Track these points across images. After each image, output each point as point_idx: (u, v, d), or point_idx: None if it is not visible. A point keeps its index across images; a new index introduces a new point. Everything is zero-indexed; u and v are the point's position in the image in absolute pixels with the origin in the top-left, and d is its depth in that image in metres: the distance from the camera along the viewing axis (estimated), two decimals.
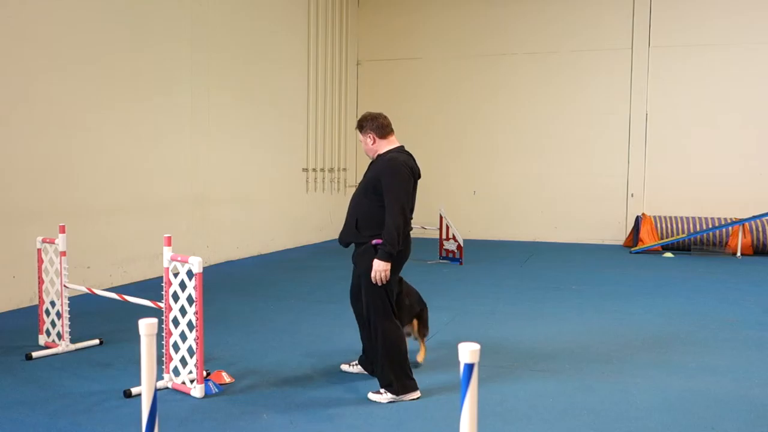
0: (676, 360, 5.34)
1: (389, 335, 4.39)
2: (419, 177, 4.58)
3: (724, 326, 6.51)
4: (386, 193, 4.31)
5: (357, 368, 4.94)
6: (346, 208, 4.71)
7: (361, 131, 4.62)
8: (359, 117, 4.70)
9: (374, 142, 4.55)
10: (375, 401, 4.34)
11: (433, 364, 5.11)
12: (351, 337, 5.70)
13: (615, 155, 13.78)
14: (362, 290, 4.47)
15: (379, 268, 4.27)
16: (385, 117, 4.61)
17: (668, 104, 13.44)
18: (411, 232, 4.56)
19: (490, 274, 9.61)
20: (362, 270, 4.42)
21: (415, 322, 5.03)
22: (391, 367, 4.36)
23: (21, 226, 7.08)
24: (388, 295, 4.42)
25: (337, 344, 5.69)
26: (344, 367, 5.00)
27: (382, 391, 4.38)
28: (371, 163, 4.61)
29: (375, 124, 4.54)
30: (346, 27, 14.55)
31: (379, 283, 4.33)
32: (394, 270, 4.45)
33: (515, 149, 14.40)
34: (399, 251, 4.38)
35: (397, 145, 4.57)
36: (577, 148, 14.00)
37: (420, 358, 5.06)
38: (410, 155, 4.56)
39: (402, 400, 4.35)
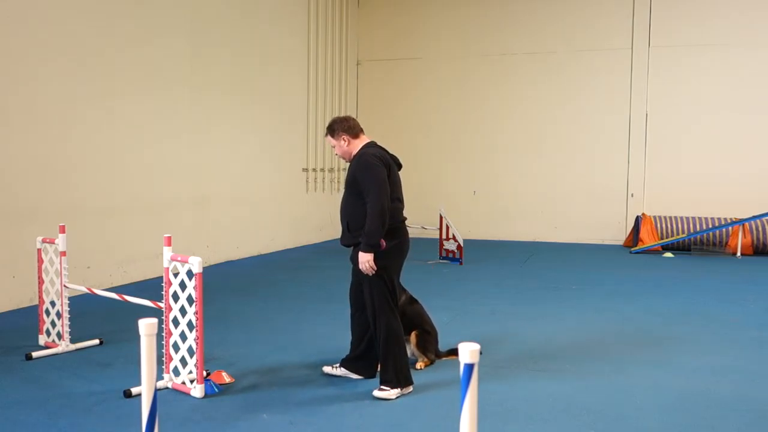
0: (676, 360, 5.34)
1: (391, 328, 4.42)
2: (400, 166, 4.59)
3: (724, 326, 6.50)
4: (364, 190, 4.33)
5: (340, 371, 4.82)
6: None
7: (333, 135, 4.56)
8: (327, 125, 4.68)
9: (348, 143, 4.54)
10: (383, 398, 4.33)
11: (434, 364, 5.11)
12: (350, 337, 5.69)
13: (615, 155, 13.78)
14: (364, 287, 4.49)
15: (362, 260, 4.32)
16: (353, 118, 4.62)
17: (668, 104, 13.43)
18: (408, 226, 4.56)
19: (490, 274, 9.61)
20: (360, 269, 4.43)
21: (413, 334, 5.04)
22: (393, 360, 4.38)
23: (21, 226, 7.08)
24: (389, 289, 4.44)
25: (337, 344, 5.67)
26: (326, 369, 4.88)
27: (386, 388, 4.38)
28: (349, 166, 4.61)
29: (346, 125, 4.54)
30: (346, 27, 14.55)
31: (369, 273, 4.34)
32: (395, 262, 4.49)
33: (515, 149, 14.40)
34: (395, 243, 4.41)
35: (367, 141, 4.59)
36: (577, 148, 14.00)
37: (419, 366, 5.04)
38: (382, 148, 4.57)
39: (403, 394, 4.38)
